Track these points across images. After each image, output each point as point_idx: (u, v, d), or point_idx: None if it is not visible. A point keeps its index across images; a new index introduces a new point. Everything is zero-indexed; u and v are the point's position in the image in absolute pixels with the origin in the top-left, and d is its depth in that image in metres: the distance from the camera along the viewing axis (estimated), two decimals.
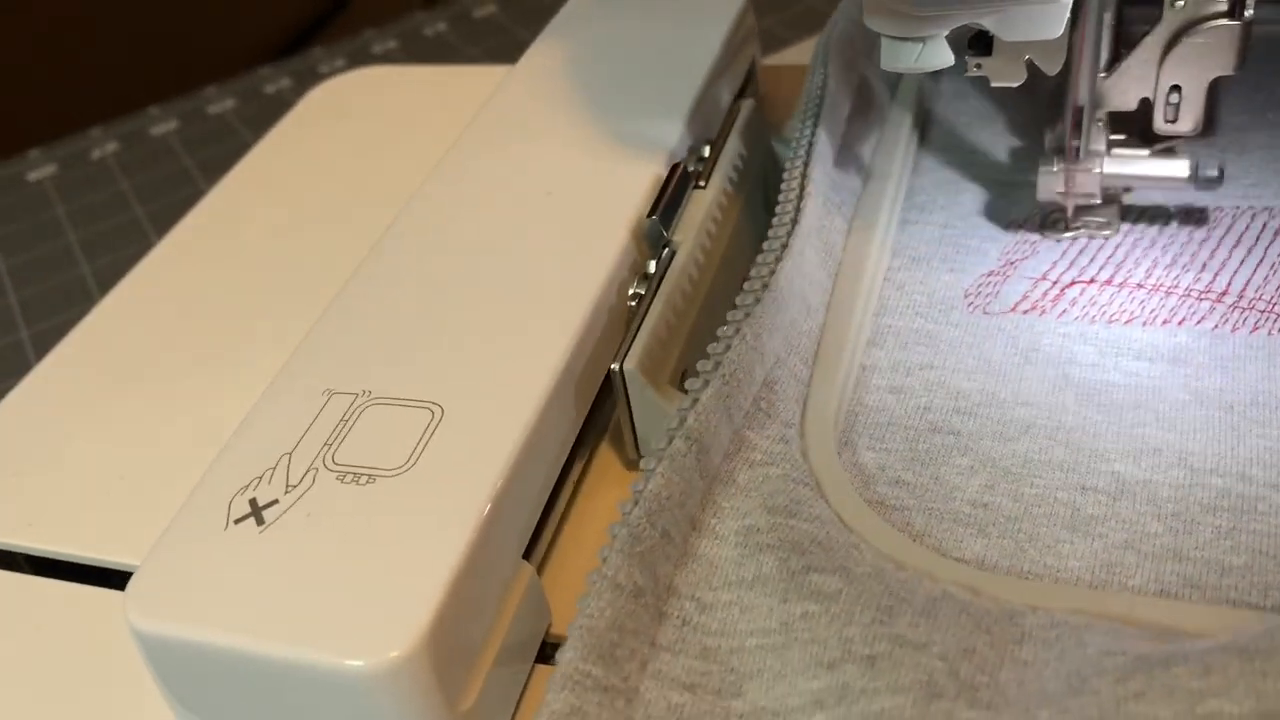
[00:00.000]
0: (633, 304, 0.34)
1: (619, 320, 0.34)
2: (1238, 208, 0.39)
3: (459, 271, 0.34)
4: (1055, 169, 0.38)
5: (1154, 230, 0.39)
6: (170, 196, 0.61)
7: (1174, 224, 0.39)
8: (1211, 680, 0.22)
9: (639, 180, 0.36)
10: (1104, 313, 0.36)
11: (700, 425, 0.29)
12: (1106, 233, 0.39)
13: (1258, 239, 0.38)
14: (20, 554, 0.34)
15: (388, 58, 0.71)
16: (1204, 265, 0.37)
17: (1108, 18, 0.35)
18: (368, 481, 0.28)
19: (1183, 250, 0.38)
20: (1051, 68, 0.35)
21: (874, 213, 0.40)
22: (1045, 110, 0.39)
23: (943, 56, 0.32)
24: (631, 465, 0.33)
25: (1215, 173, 0.37)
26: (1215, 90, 0.36)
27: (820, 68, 0.41)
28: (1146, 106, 0.37)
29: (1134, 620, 0.27)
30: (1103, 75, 0.37)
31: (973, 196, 0.41)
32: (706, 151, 0.39)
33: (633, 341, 0.32)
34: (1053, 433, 0.32)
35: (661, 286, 0.34)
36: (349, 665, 0.25)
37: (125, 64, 0.96)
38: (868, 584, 0.27)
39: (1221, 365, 0.34)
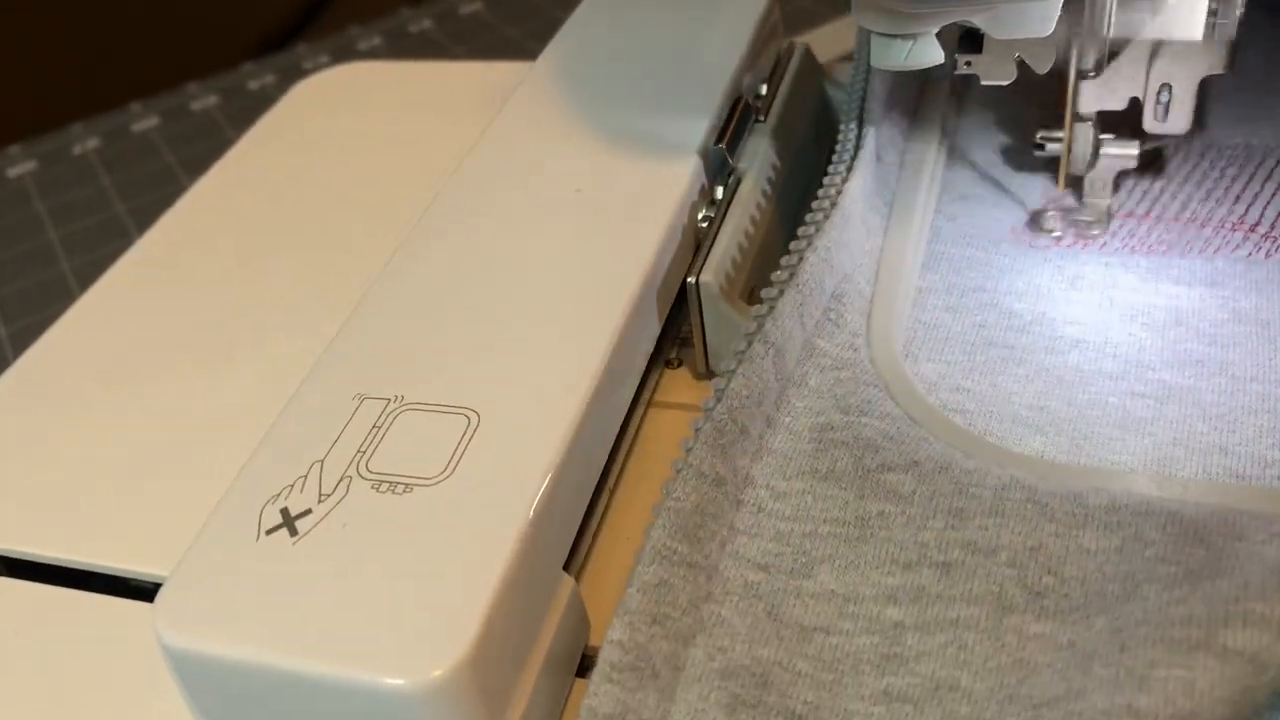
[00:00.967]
0: (703, 224, 0.35)
1: (692, 241, 0.34)
2: (1268, 146, 0.40)
3: (490, 270, 0.33)
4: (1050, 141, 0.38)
5: (1187, 167, 0.40)
6: (152, 194, 0.60)
7: (1207, 161, 0.40)
8: (1249, 589, 0.24)
9: (672, 177, 0.35)
10: (1144, 244, 0.37)
11: (776, 330, 0.30)
12: (1095, 232, 0.38)
13: None
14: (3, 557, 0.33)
15: (373, 54, 0.70)
16: (1236, 198, 0.38)
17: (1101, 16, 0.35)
18: (404, 491, 0.27)
19: (1216, 185, 0.39)
20: (1041, 66, 0.35)
21: (923, 152, 0.41)
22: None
23: (932, 54, 0.32)
24: (657, 473, 0.32)
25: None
26: (1205, 88, 0.36)
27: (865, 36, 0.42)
28: (1137, 105, 0.37)
29: (1187, 498, 0.28)
30: (1091, 75, 0.36)
31: (1013, 139, 0.42)
32: (764, 89, 0.41)
33: (707, 256, 0.33)
34: (1101, 347, 0.34)
35: (730, 209, 0.35)
36: (391, 684, 0.23)
37: (107, 59, 0.93)
38: (939, 482, 0.29)
39: (1256, 287, 0.35)
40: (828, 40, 0.52)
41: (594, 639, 0.28)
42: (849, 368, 0.32)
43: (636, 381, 0.32)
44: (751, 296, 0.34)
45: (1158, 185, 0.38)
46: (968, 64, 0.35)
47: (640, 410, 0.33)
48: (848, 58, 0.51)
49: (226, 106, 0.67)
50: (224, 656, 0.25)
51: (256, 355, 0.36)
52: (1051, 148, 0.38)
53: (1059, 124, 0.37)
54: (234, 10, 0.94)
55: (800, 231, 0.33)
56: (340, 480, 0.27)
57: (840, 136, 0.37)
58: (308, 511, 0.27)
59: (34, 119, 0.70)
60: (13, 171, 0.64)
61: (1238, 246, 0.36)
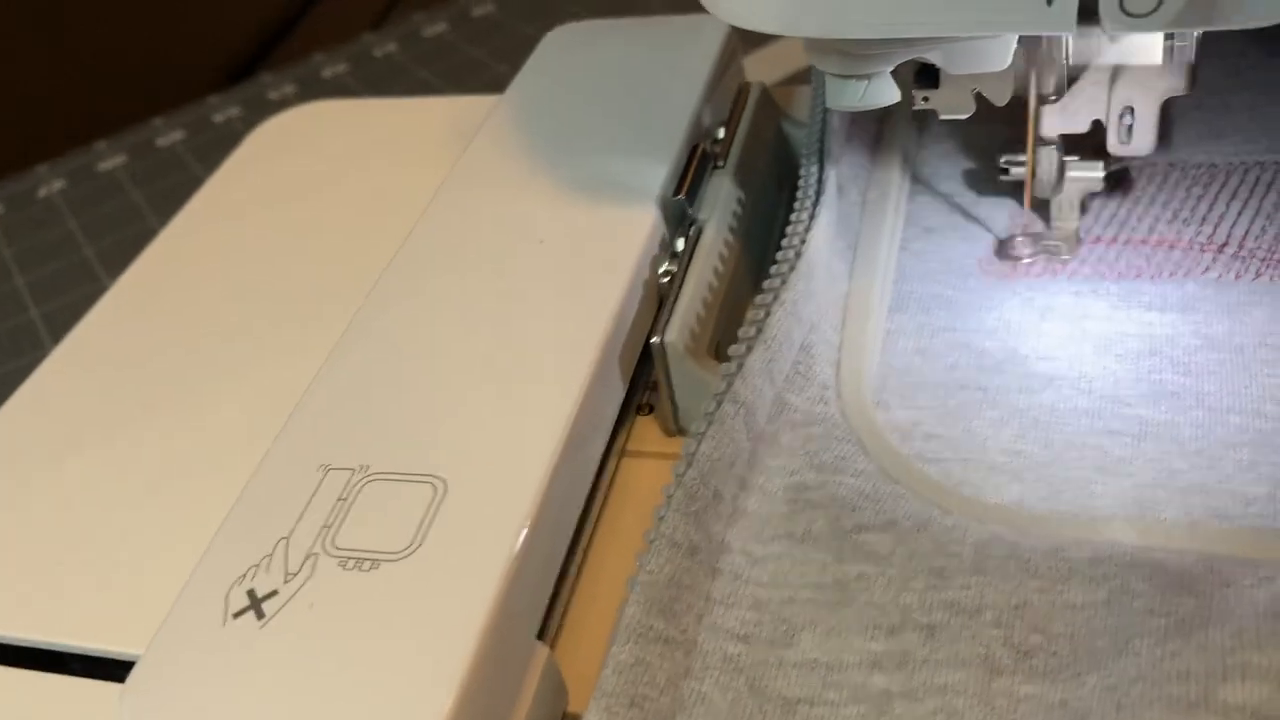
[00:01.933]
0: (665, 280, 0.34)
1: (654, 297, 0.34)
2: (1230, 164, 0.39)
3: (453, 332, 0.33)
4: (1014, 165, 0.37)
5: (1153, 188, 0.39)
6: (120, 233, 0.59)
7: (1172, 181, 0.39)
8: (1243, 638, 0.23)
9: (631, 233, 0.35)
10: (1113, 270, 0.36)
11: (745, 389, 0.30)
12: (1065, 256, 0.37)
13: (1252, 191, 0.38)
14: None
15: (338, 81, 0.69)
16: (1204, 219, 0.38)
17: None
18: (371, 567, 0.26)
19: (1182, 206, 0.38)
20: (1000, 98, 0.34)
21: (886, 185, 0.40)
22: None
23: (888, 93, 0.31)
24: (637, 528, 0.30)
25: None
26: (1167, 107, 0.36)
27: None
28: (1100, 128, 0.36)
29: (1171, 544, 0.28)
30: (1052, 99, 0.36)
31: (978, 164, 0.41)
32: (721, 133, 0.39)
33: (670, 314, 0.32)
34: (1075, 383, 0.33)
35: (693, 262, 0.34)
36: None
37: (69, 97, 0.90)
38: (918, 541, 0.28)
39: (1228, 311, 0.34)
40: (779, 58, 0.50)
41: (572, 705, 0.28)
42: (820, 423, 0.31)
43: (605, 439, 0.32)
44: (718, 351, 0.33)
45: (1124, 209, 0.38)
46: (925, 99, 0.34)
47: (613, 461, 0.33)
48: (797, 78, 0.50)
49: (192, 141, 0.65)
50: None
51: (228, 414, 0.35)
52: (1016, 171, 0.37)
53: (1023, 147, 0.36)
54: (196, 41, 0.93)
55: (766, 284, 0.32)
56: (306, 558, 0.27)
57: (801, 179, 0.36)
58: (274, 593, 0.26)
59: None
60: None
61: (1208, 268, 0.35)
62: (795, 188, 0.36)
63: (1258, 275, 0.34)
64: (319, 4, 0.96)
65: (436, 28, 0.72)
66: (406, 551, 0.26)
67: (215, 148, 0.59)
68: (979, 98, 0.33)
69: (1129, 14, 0.24)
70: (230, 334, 0.39)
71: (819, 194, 0.35)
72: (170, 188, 0.60)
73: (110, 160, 0.65)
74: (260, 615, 0.25)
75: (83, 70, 0.94)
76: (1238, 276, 0.34)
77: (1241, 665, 0.22)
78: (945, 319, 0.35)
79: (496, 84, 0.51)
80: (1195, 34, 0.33)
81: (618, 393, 0.32)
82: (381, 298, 0.34)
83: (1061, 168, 0.37)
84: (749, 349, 0.30)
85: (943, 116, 0.34)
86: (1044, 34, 0.33)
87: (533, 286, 0.33)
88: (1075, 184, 0.37)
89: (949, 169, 0.41)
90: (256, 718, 0.23)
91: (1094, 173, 0.37)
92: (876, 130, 0.42)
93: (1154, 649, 0.24)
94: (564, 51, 0.45)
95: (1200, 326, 0.33)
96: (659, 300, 0.33)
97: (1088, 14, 0.24)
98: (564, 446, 0.28)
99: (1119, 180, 0.39)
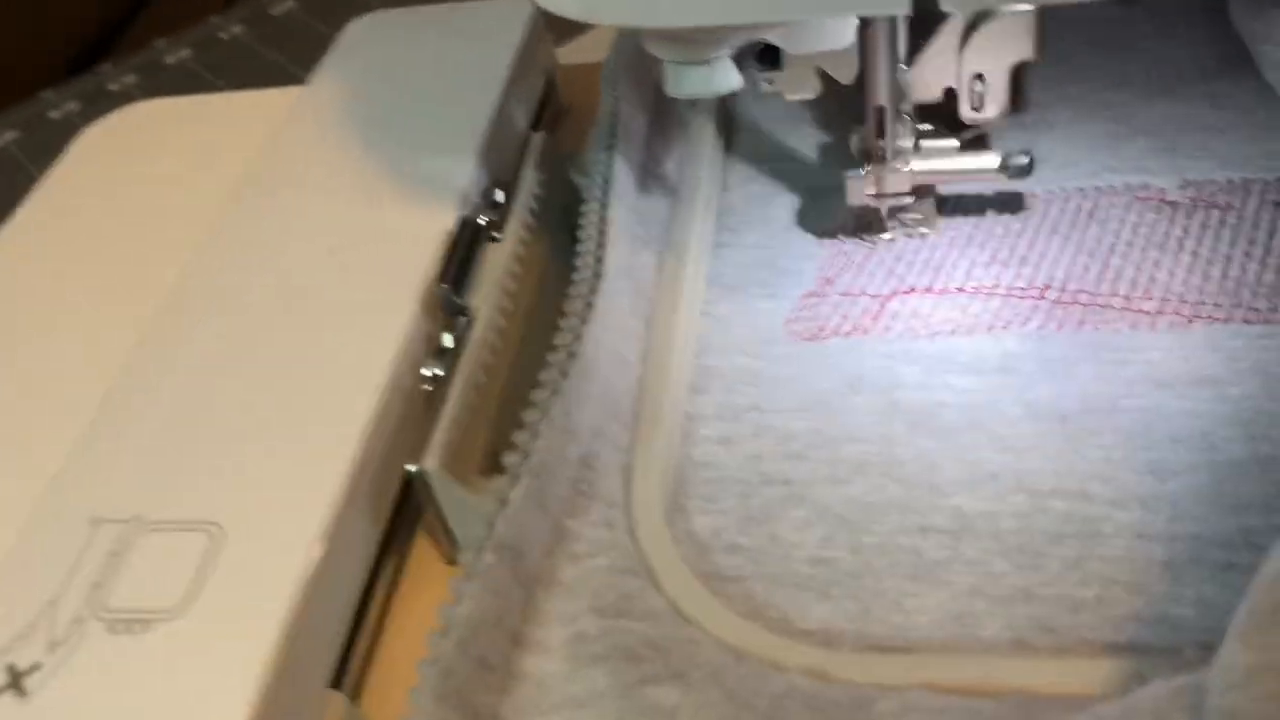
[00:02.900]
0: (428, 387, 0.29)
1: (416, 407, 0.29)
2: (1050, 192, 0.36)
3: (232, 365, 0.30)
4: (863, 172, 0.35)
5: (969, 226, 0.36)
6: None
7: (989, 217, 0.36)
8: None
9: (429, 234, 0.32)
10: (926, 325, 0.33)
11: (512, 530, 0.26)
12: (925, 230, 0.35)
13: (1073, 224, 0.35)
14: None
15: (182, 69, 0.64)
16: (1023, 259, 0.34)
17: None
18: (142, 629, 0.24)
19: (1000, 245, 0.35)
20: (846, 76, 0.32)
21: (684, 241, 0.36)
22: (851, 107, 0.36)
23: (730, 79, 0.29)
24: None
25: (1025, 160, 0.34)
26: (1023, 73, 0.34)
27: (609, 91, 0.37)
28: (952, 96, 0.34)
29: (989, 687, 0.24)
30: (903, 68, 0.34)
31: (784, 209, 0.38)
32: (499, 196, 0.34)
33: (432, 435, 0.28)
34: (887, 469, 0.29)
35: (460, 363, 0.30)
36: None
37: None
38: (708, 692, 0.24)
39: (1050, 370, 0.31)
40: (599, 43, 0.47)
41: None
42: (605, 552, 0.27)
43: (399, 475, 0.28)
44: (498, 459, 0.29)
45: (939, 252, 0.34)
46: (769, 82, 0.32)
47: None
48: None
49: (27, 141, 0.60)
50: None
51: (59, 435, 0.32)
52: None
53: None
54: (33, 30, 0.86)
55: (534, 396, 0.28)
56: (73, 623, 0.24)
57: (578, 260, 0.31)
58: (37, 666, 0.23)
59: None
60: None
61: (1028, 319, 0.32)
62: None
63: (1081, 324, 0.31)
64: None
65: (285, 5, 0.67)
66: (180, 608, 0.24)
67: (52, 146, 0.54)
68: (824, 77, 0.31)
69: None
70: (47, 344, 0.36)
71: (598, 274, 0.31)
72: (3, 189, 0.55)
73: None
74: (22, 693, 0.23)
75: None
76: (1060, 327, 0.32)
77: None
78: (750, 396, 0.31)
79: None
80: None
81: (411, 424, 0.29)
82: (160, 329, 0.31)
83: (917, 139, 0.35)
84: (514, 480, 0.26)
85: (789, 98, 0.32)
86: (877, 14, 0.30)
87: (318, 311, 0.30)
88: (930, 160, 0.35)
89: (756, 212, 0.37)
90: None
91: (949, 142, 0.35)
92: (673, 173, 0.38)
93: None
94: (365, 43, 0.42)
95: (1021, 391, 0.30)
96: (426, 400, 0.29)
97: None
98: (349, 485, 0.26)
99: (975, 145, 0.36)
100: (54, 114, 0.63)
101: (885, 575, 0.27)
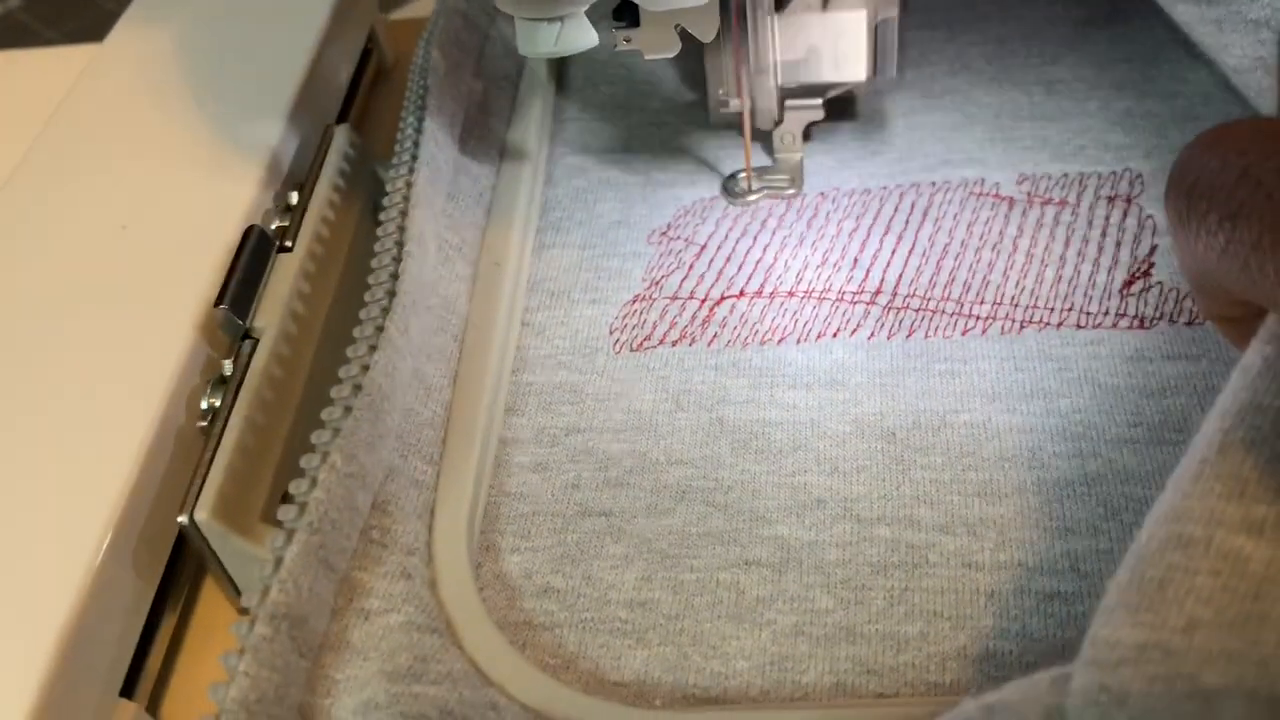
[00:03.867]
0: (204, 423, 0.26)
1: (190, 448, 0.26)
2: (885, 188, 0.34)
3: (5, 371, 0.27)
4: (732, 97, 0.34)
5: (801, 225, 0.34)
6: None
7: (822, 214, 0.34)
8: None
9: (213, 244, 0.29)
10: (755, 333, 0.31)
11: (288, 596, 0.23)
12: (790, 191, 0.35)
13: (906, 222, 0.34)
14: None
15: (9, 19, 0.58)
16: (855, 260, 0.33)
17: None
18: None
19: (833, 246, 0.33)
20: (707, 34, 0.30)
21: (503, 245, 0.33)
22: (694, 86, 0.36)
23: (585, 37, 0.27)
24: None
25: (894, 73, 0.33)
26: (889, 32, 0.33)
27: (419, 80, 0.33)
28: (815, 54, 0.33)
29: None
30: (766, 24, 0.32)
31: (611, 205, 0.35)
32: (294, 198, 0.31)
33: (205, 480, 0.25)
34: (709, 495, 0.28)
35: (241, 393, 0.26)
36: None
37: None
38: None
39: (880, 384, 0.30)
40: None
41: None
42: (401, 607, 0.24)
43: (168, 534, 0.26)
44: (285, 500, 0.26)
45: (770, 253, 0.33)
46: (627, 40, 0.30)
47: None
48: None
49: None
50: None
51: None
52: (735, 104, 0.33)
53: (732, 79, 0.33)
54: None
55: (315, 438, 0.25)
56: None
57: (372, 277, 0.28)
58: None
59: None
60: None
61: (859, 325, 0.30)
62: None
63: (910, 332, 0.30)
64: None
65: None
66: None
67: None
68: (684, 35, 0.29)
69: None
70: None
71: (393, 292, 0.27)
72: None
73: None
74: None
75: None
76: (890, 335, 0.30)
77: None
78: (569, 417, 0.29)
79: None
80: None
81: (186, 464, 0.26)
82: None
83: (782, 98, 0.34)
84: (289, 537, 0.23)
85: (647, 56, 0.30)
86: None
87: (87, 325, 0.28)
88: (795, 114, 0.34)
89: (581, 211, 0.35)
90: None
91: (814, 100, 0.33)
92: (492, 172, 0.35)
93: None
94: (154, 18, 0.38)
95: (849, 406, 0.29)
96: (199, 451, 0.26)
97: None
98: (114, 537, 0.24)
99: (840, 106, 0.35)
100: None
101: (705, 617, 0.25)
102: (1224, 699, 0.17)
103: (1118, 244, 0.32)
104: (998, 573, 0.25)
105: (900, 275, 0.32)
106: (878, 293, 0.31)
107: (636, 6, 0.29)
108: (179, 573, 0.27)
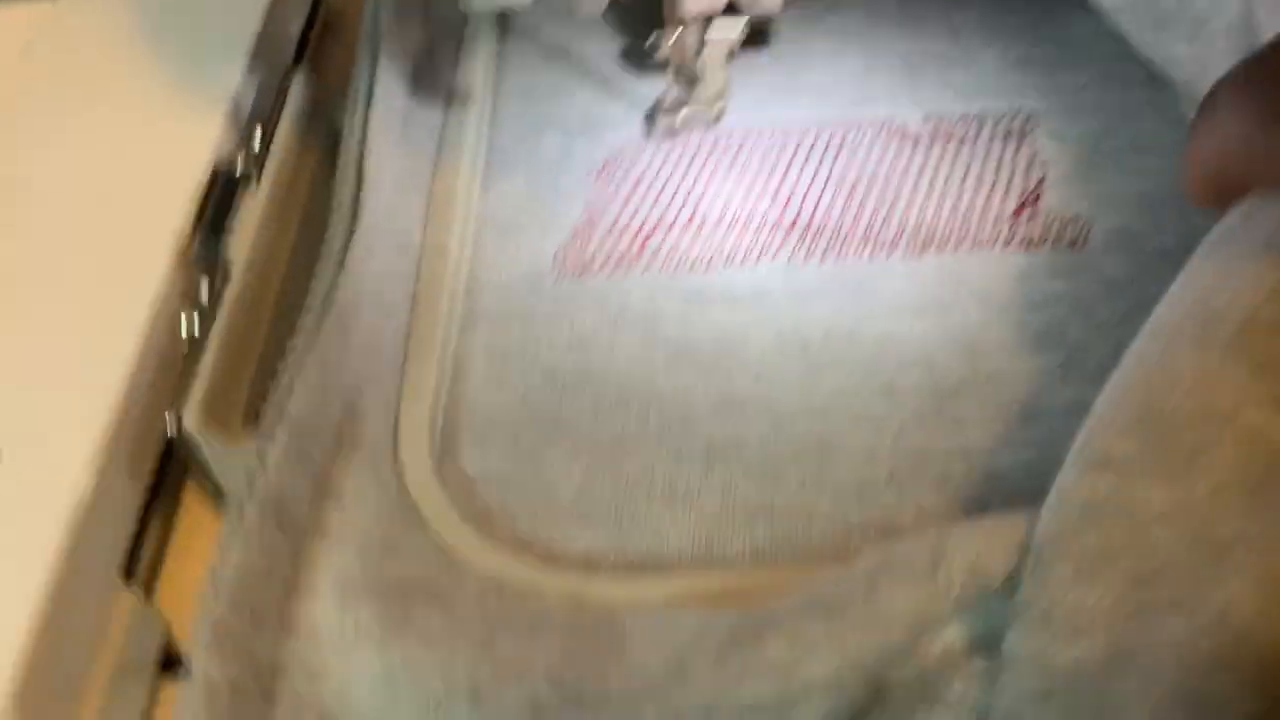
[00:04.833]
0: (186, 342, 0.29)
1: (174, 363, 0.29)
2: (804, 127, 0.38)
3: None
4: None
5: (727, 160, 0.37)
6: None
7: (747, 148, 0.37)
8: (798, 649, 0.22)
9: (184, 181, 0.31)
10: (686, 259, 0.34)
11: (274, 487, 0.26)
12: (715, 117, 0.37)
13: (823, 158, 0.37)
14: None
15: None
16: (776, 193, 0.36)
17: None
18: None
19: (756, 178, 0.37)
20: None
21: (452, 181, 0.36)
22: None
23: None
24: None
25: None
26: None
27: (370, 27, 0.36)
28: None
29: (729, 593, 0.27)
30: None
31: (554, 144, 0.38)
32: (257, 136, 0.34)
33: (189, 389, 0.28)
34: (647, 403, 0.31)
35: (218, 315, 0.29)
36: None
37: None
38: (470, 617, 0.26)
39: (799, 300, 0.33)
40: None
41: (178, 634, 0.27)
42: (370, 499, 0.27)
43: (161, 434, 0.28)
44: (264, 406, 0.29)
45: (700, 184, 0.36)
46: None
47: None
48: None
49: None
50: None
51: None
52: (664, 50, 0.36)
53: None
54: None
55: (290, 346, 0.28)
56: None
57: (334, 199, 0.31)
58: None
59: None
60: None
61: (778, 251, 0.34)
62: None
63: (824, 256, 0.33)
64: None
65: None
66: None
67: None
68: None
69: None
70: None
71: (355, 215, 0.30)
72: None
73: None
74: None
75: None
76: (807, 258, 0.33)
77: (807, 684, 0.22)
78: (518, 336, 0.32)
79: None
80: None
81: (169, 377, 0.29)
82: None
83: (702, 31, 0.35)
84: (271, 437, 0.26)
85: (579, 13, 0.31)
86: None
87: (69, 261, 0.30)
88: (716, 45, 0.36)
89: (525, 150, 0.38)
90: None
91: (732, 30, 0.36)
92: (442, 109, 0.38)
93: (714, 673, 0.23)
94: None
95: (770, 322, 0.32)
96: (182, 365, 0.29)
97: None
98: (109, 444, 0.26)
99: (757, 39, 0.38)
100: None
101: (641, 502, 0.29)
102: (1236, 546, 0.20)
103: (1010, 175, 0.35)
104: (897, 459, 0.29)
105: (817, 206, 0.35)
106: (795, 221, 0.35)
107: None
108: (164, 481, 0.29)
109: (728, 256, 0.34)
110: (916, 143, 0.36)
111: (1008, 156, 0.36)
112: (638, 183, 0.36)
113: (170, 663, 0.27)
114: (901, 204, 0.35)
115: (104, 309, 0.28)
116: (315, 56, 0.41)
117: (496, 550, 0.28)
